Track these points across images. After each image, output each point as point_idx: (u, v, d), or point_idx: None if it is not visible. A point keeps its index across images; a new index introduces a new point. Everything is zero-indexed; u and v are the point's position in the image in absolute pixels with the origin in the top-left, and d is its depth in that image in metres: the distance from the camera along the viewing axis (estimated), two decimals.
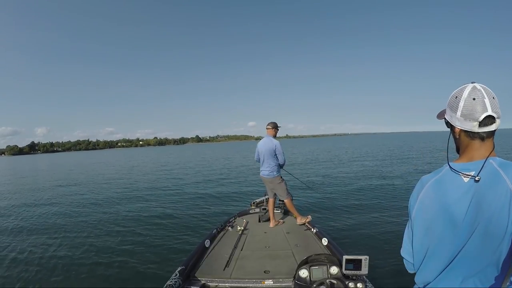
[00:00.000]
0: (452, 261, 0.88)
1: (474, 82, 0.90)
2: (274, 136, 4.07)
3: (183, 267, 2.53)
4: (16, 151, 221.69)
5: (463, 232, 0.85)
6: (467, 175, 0.87)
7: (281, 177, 4.06)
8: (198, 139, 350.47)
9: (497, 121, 0.87)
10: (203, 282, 2.48)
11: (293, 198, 4.40)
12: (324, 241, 3.14)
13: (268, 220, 4.14)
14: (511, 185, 0.78)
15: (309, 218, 3.95)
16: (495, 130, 0.88)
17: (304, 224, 3.89)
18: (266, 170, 3.99)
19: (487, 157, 0.86)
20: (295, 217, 4.06)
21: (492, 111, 0.85)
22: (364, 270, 1.95)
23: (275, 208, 4.27)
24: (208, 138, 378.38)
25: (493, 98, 0.86)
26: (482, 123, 0.86)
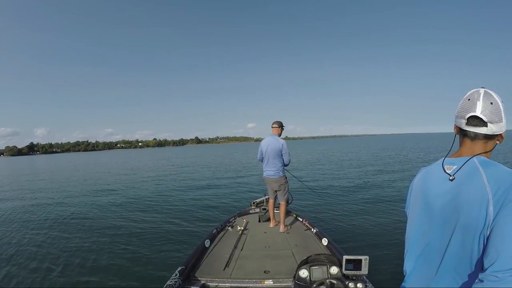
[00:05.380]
0: (430, 252, 0.91)
1: (484, 88, 0.92)
2: (279, 135, 3.95)
3: (183, 267, 2.53)
4: (15, 152, 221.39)
5: (438, 223, 0.89)
6: (448, 167, 0.92)
7: (286, 177, 3.96)
8: (198, 141, 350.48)
9: (490, 125, 0.87)
10: (203, 282, 2.47)
11: (293, 199, 4.39)
12: (324, 241, 3.14)
13: (268, 220, 4.13)
14: (487, 182, 0.79)
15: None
16: (489, 135, 0.89)
17: (284, 232, 3.73)
18: (272, 170, 3.85)
19: (474, 155, 0.89)
20: (280, 223, 3.84)
21: (480, 113, 0.87)
22: (364, 270, 1.94)
23: (275, 208, 4.26)
24: (207, 139, 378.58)
25: (491, 103, 0.88)
26: (469, 123, 0.90)
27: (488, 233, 0.75)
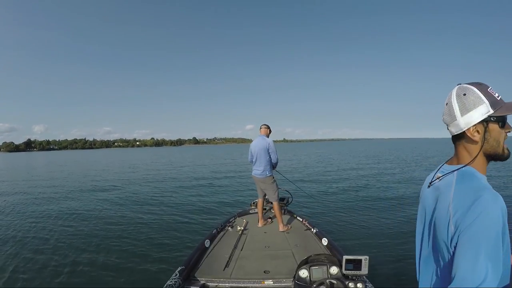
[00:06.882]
0: (420, 258, 0.95)
1: (460, 84, 0.87)
2: (267, 136, 4.05)
3: (183, 267, 2.52)
4: (12, 148, 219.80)
5: (426, 230, 0.92)
6: (438, 176, 0.92)
7: (274, 177, 4.02)
8: (195, 141, 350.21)
9: (449, 128, 0.88)
10: (203, 282, 2.47)
11: (293, 199, 4.38)
12: (324, 241, 3.15)
13: (268, 219, 4.14)
14: (451, 200, 0.79)
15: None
16: (456, 136, 0.87)
17: (284, 232, 3.73)
18: (259, 169, 3.92)
19: (460, 165, 0.87)
20: (278, 223, 3.82)
21: (443, 118, 0.90)
22: (364, 270, 1.95)
23: (271, 209, 4.26)
24: (205, 140, 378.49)
25: (446, 104, 0.87)
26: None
27: (452, 249, 0.77)
